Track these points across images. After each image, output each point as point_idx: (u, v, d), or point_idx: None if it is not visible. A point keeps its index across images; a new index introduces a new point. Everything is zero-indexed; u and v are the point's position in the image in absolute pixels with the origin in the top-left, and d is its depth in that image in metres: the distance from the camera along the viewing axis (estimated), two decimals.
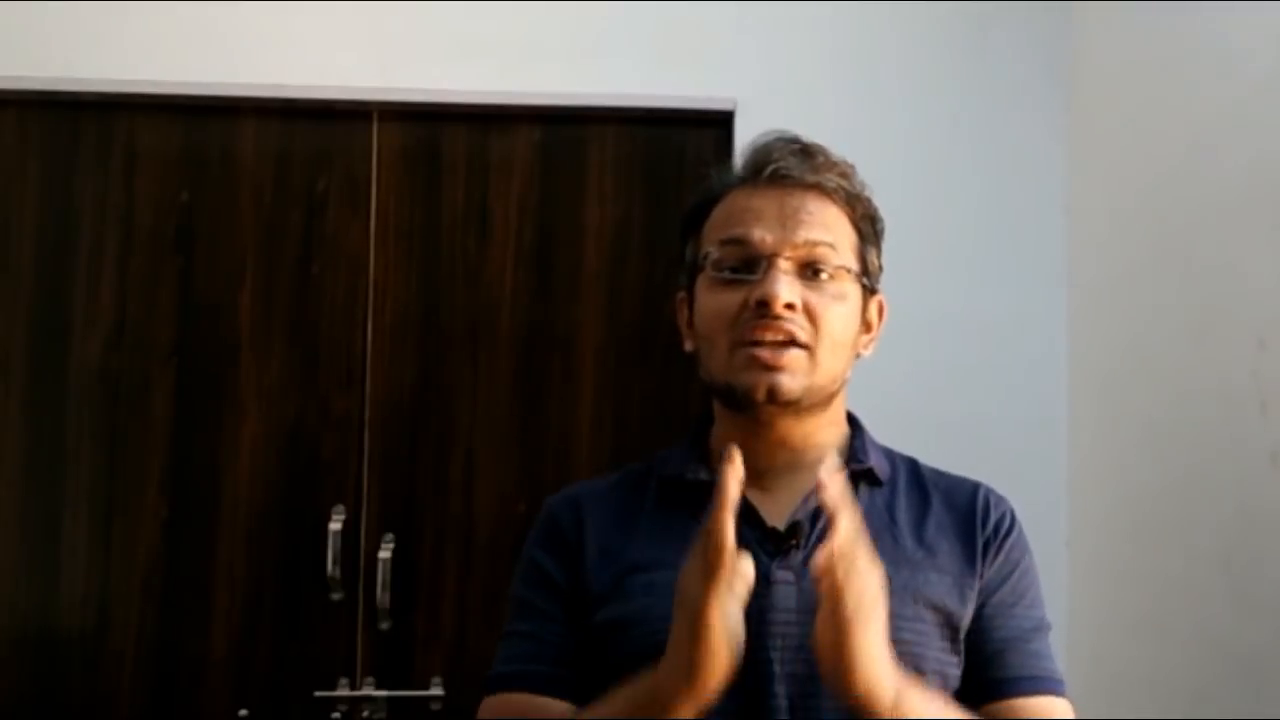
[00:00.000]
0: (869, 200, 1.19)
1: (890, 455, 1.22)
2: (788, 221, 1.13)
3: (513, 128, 2.37)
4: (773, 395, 1.10)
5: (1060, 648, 1.17)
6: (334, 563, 2.25)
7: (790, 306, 1.10)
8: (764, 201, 1.14)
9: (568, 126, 2.38)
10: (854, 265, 1.16)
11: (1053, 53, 2.36)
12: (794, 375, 1.11)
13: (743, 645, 0.97)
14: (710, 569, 0.94)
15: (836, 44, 2.37)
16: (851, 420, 1.23)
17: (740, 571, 0.97)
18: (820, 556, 0.95)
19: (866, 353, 1.20)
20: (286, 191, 2.35)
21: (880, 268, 1.20)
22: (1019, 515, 1.20)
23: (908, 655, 1.07)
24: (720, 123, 2.34)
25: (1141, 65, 2.08)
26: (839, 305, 1.13)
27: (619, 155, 2.38)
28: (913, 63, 2.37)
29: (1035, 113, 2.36)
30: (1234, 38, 1.77)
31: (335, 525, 2.27)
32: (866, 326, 1.19)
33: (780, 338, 1.10)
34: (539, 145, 2.38)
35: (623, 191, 2.38)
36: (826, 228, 1.14)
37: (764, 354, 1.10)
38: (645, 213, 2.37)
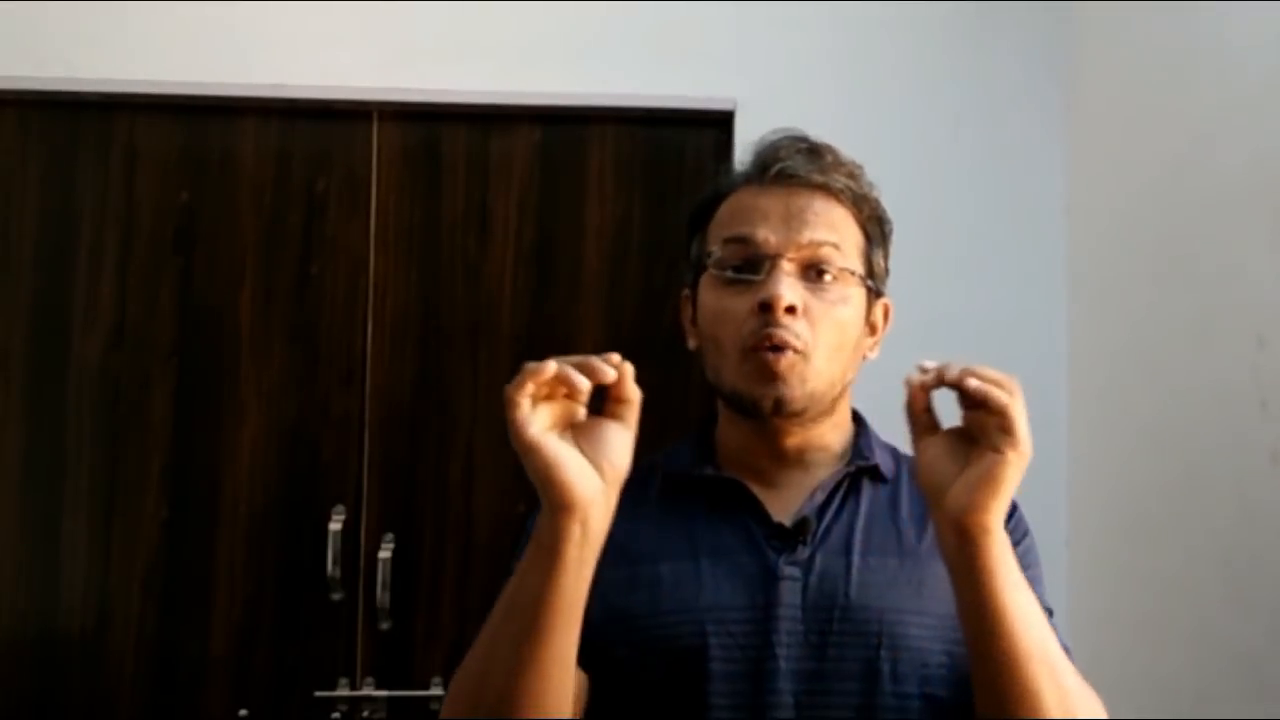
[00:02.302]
0: (877, 201, 1.18)
1: (894, 452, 1.22)
2: (792, 221, 1.12)
3: (513, 128, 2.37)
4: (778, 407, 1.10)
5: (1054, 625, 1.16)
6: (334, 563, 2.25)
7: (791, 310, 1.09)
8: (769, 201, 1.13)
9: (568, 126, 2.38)
10: (859, 267, 1.14)
11: (1053, 53, 2.36)
12: (792, 385, 1.10)
13: (625, 464, 0.99)
14: (513, 394, 0.98)
15: (836, 44, 2.37)
16: (856, 418, 1.23)
17: (625, 398, 1.02)
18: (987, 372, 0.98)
19: (871, 355, 1.19)
20: (286, 191, 2.35)
21: (887, 270, 1.19)
22: (1019, 509, 1.20)
23: (915, 650, 1.07)
24: (720, 123, 2.34)
25: (1141, 65, 2.08)
26: (841, 309, 1.12)
27: (619, 155, 2.38)
28: (913, 63, 2.37)
29: (1035, 113, 2.36)
30: (1234, 38, 1.77)
31: (335, 525, 2.27)
32: (871, 329, 1.18)
33: (777, 343, 1.09)
34: (539, 145, 2.38)
35: (623, 191, 2.38)
36: (832, 228, 1.13)
37: (768, 359, 1.09)
38: (645, 213, 2.37)
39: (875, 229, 1.18)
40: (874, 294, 1.17)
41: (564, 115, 2.37)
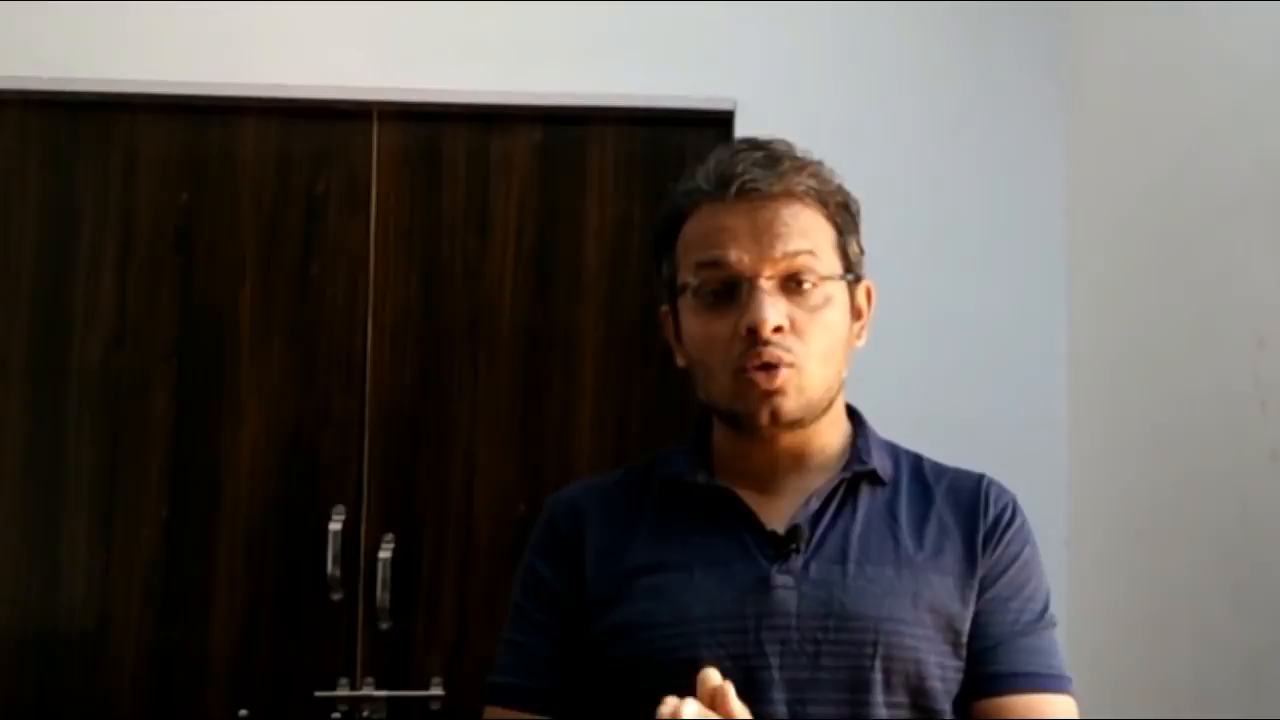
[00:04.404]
0: (840, 189, 1.16)
1: (894, 451, 1.21)
2: (763, 237, 1.10)
3: (513, 128, 2.37)
4: (775, 418, 1.10)
5: (1061, 647, 1.16)
6: (334, 563, 2.25)
7: (779, 329, 1.09)
8: (735, 219, 1.12)
9: (568, 126, 2.38)
10: (836, 267, 1.14)
11: (1053, 53, 2.36)
12: (789, 396, 1.10)
13: None
14: None
15: (836, 44, 2.37)
16: (854, 415, 1.21)
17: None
18: None
19: (860, 342, 1.18)
20: (286, 191, 2.35)
21: (862, 251, 1.18)
22: (1021, 516, 1.19)
23: (909, 661, 1.07)
24: (720, 123, 2.34)
25: (1141, 65, 2.08)
26: (826, 313, 1.12)
27: (619, 155, 2.38)
28: (913, 63, 2.37)
29: (1035, 113, 2.36)
30: (1234, 38, 1.77)
31: (335, 525, 2.26)
32: (857, 314, 1.17)
33: (770, 362, 1.09)
34: (539, 145, 2.38)
35: (623, 191, 2.38)
36: (804, 234, 1.12)
37: (760, 379, 1.09)
38: (645, 213, 2.36)
39: (845, 218, 1.16)
40: (854, 281, 1.17)
41: (564, 115, 2.37)
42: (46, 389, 2.29)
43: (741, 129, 2.27)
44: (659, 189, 2.32)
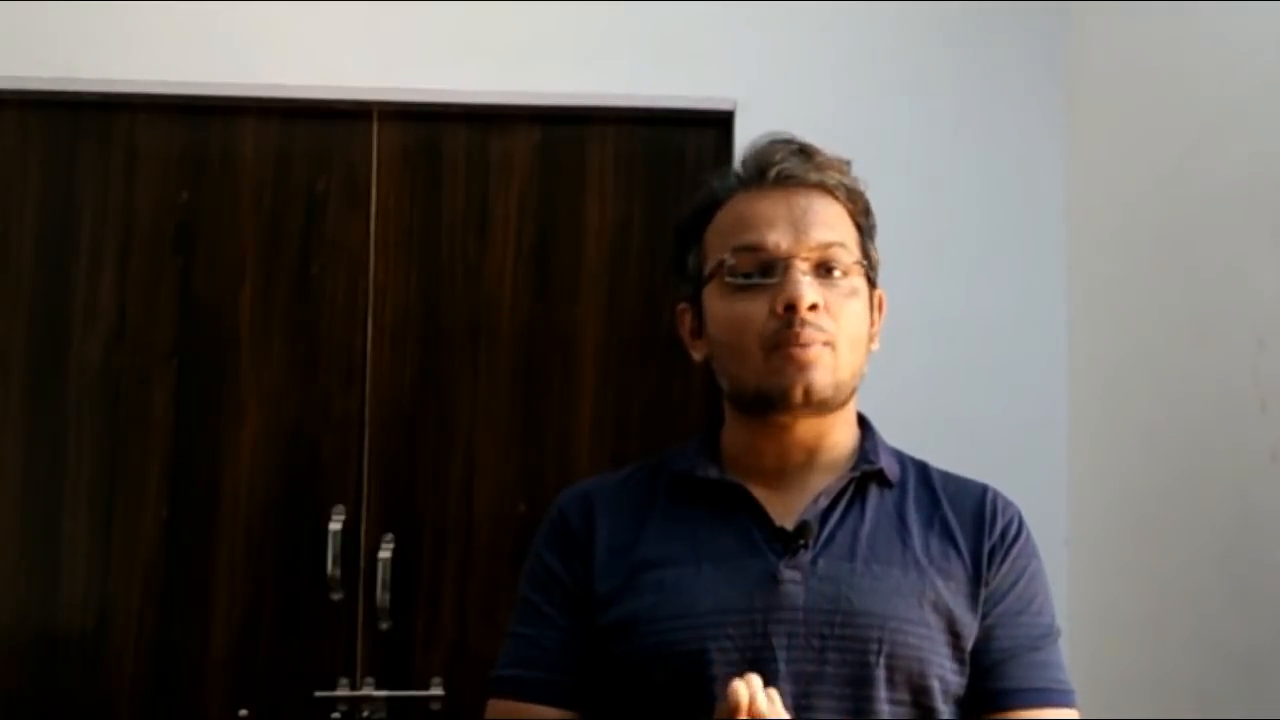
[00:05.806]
0: (864, 194, 1.20)
1: (900, 457, 1.22)
2: (798, 224, 1.14)
3: (513, 128, 2.37)
4: (808, 395, 1.11)
5: (1065, 659, 1.16)
6: (334, 563, 2.25)
7: (814, 307, 1.11)
8: (771, 205, 1.15)
9: (568, 126, 2.38)
10: (861, 260, 1.17)
11: (1053, 53, 2.36)
12: (824, 372, 1.11)
13: None
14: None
15: (836, 44, 2.37)
16: (862, 421, 1.23)
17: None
18: None
19: (874, 346, 1.20)
20: (286, 191, 2.35)
21: (878, 260, 1.22)
22: (1026, 530, 1.20)
23: (913, 659, 1.08)
24: (720, 123, 2.34)
25: (1141, 65, 2.08)
26: (854, 301, 1.15)
27: (619, 155, 2.38)
28: (913, 63, 2.37)
29: (1035, 113, 2.36)
30: (1234, 38, 1.77)
31: (335, 525, 2.26)
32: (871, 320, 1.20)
33: (807, 341, 1.11)
34: (539, 145, 2.38)
35: (623, 191, 2.38)
36: (833, 227, 1.15)
37: (797, 352, 1.11)
38: (645, 213, 2.37)
39: (866, 221, 1.20)
40: (872, 285, 1.20)
41: (564, 115, 2.37)
42: (46, 389, 2.30)
43: (741, 129, 2.27)
44: (659, 189, 2.36)
